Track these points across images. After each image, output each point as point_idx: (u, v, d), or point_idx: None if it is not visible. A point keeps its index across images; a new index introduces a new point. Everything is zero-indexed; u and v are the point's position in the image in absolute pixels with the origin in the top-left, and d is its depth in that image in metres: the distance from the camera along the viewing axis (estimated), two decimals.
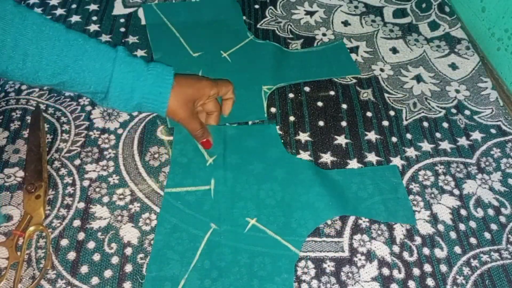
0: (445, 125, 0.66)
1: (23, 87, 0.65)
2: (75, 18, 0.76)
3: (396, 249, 0.53)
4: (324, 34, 0.79)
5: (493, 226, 0.56)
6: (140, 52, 0.72)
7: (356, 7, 0.85)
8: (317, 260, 0.52)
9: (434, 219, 0.56)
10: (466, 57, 0.77)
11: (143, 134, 0.62)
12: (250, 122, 0.64)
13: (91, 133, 0.61)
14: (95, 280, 0.49)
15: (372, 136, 0.64)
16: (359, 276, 0.51)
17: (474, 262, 0.53)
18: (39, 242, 0.50)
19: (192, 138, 0.59)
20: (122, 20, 0.77)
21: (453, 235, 0.55)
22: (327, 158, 0.61)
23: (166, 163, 0.59)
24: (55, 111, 0.63)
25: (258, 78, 0.69)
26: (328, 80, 0.71)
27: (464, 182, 0.60)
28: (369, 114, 0.67)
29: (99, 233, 0.52)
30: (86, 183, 0.56)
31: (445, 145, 0.64)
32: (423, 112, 0.68)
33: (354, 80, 0.71)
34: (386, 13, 0.84)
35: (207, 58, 0.71)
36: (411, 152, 0.63)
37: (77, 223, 0.53)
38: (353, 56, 0.75)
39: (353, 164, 0.61)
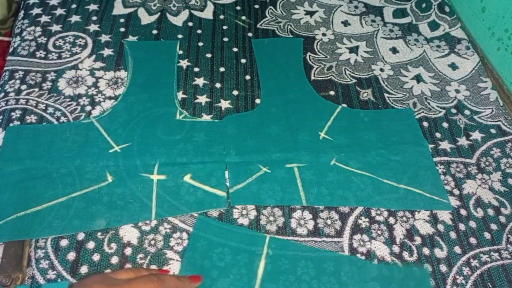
0: (445, 125, 0.66)
1: (23, 87, 0.65)
2: (75, 18, 0.76)
3: (396, 249, 0.53)
4: (324, 34, 0.79)
5: (493, 226, 0.56)
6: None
7: (356, 7, 0.85)
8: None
9: (434, 219, 0.56)
10: (466, 57, 0.77)
11: None
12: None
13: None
14: None
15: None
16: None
17: (474, 262, 0.53)
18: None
19: None
20: (122, 20, 0.77)
21: (453, 235, 0.55)
22: None
23: None
24: (55, 111, 0.63)
25: None
26: (328, 79, 0.71)
27: (464, 182, 0.60)
28: None
29: (99, 233, 0.52)
30: None
31: (445, 145, 0.64)
32: (423, 112, 0.68)
33: (354, 80, 0.71)
34: (386, 13, 0.84)
35: None
36: None
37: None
38: (353, 56, 0.75)
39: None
